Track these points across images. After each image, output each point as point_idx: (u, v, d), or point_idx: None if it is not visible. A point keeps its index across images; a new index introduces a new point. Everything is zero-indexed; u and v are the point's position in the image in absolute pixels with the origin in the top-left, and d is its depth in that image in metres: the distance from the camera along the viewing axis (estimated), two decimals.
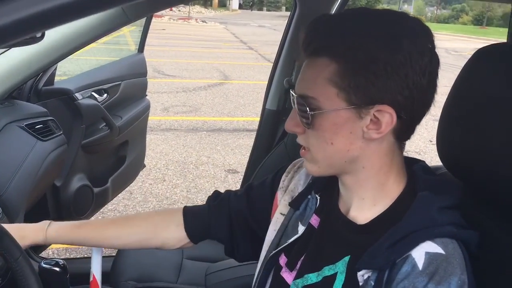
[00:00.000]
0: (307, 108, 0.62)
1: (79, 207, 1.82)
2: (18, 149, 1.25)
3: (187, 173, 3.67)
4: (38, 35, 0.88)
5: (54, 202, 1.66)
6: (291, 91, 0.67)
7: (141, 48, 2.35)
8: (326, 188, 0.75)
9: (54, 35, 1.34)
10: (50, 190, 1.63)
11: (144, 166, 2.54)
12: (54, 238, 0.85)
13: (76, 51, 1.42)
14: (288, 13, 1.85)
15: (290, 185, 0.82)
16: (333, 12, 1.63)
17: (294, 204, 0.77)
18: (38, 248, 1.63)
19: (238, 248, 0.88)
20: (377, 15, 0.63)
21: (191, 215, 0.88)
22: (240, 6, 44.49)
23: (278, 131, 1.75)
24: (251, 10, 45.33)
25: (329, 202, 0.73)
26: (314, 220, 0.73)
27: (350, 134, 0.62)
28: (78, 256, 2.32)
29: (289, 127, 0.67)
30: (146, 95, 2.39)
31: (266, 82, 1.81)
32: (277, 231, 0.78)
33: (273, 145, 1.73)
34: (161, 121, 4.93)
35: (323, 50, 0.60)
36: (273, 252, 0.76)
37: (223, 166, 3.87)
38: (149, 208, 3.03)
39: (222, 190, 0.93)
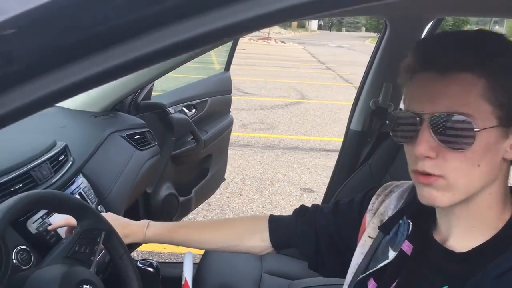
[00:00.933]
0: (466, 126, 0.57)
1: (166, 213, 1.93)
2: (120, 156, 1.37)
3: (263, 189, 3.73)
4: None
5: (145, 207, 1.78)
6: (413, 113, 0.61)
7: (227, 67, 2.46)
8: (419, 214, 0.72)
9: None
10: (142, 196, 1.75)
11: (224, 179, 2.63)
12: (152, 238, 0.92)
13: (174, 69, 1.54)
14: (368, 34, 1.84)
15: (380, 208, 0.80)
16: (423, 35, 1.59)
17: (384, 228, 0.75)
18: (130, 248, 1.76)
19: (323, 263, 0.88)
20: (500, 35, 0.61)
21: (277, 225, 0.91)
22: (319, 27, 44.70)
23: (362, 152, 1.72)
24: (330, 30, 45.32)
25: (422, 228, 0.71)
26: (407, 247, 0.71)
27: (494, 154, 0.59)
28: (163, 260, 2.45)
29: (423, 151, 0.58)
30: (230, 112, 2.49)
31: (344, 103, 1.82)
32: (365, 254, 0.77)
33: (357, 166, 1.71)
34: (239, 137, 5.07)
35: (467, 66, 0.57)
36: (362, 276, 0.75)
37: (299, 185, 3.87)
38: None
39: None
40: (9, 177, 0.87)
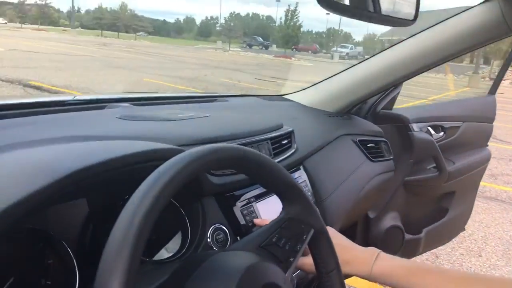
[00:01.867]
0: None
1: (386, 249, 1.61)
2: (347, 161, 1.16)
3: (511, 256, 2.91)
4: (410, 18, 0.74)
5: (363, 234, 1.52)
6: None
7: (493, 90, 1.97)
8: None
9: (397, 55, 1.21)
10: (362, 220, 1.50)
11: (464, 229, 2.11)
12: (380, 276, 0.65)
13: (425, 70, 1.24)
14: None
15: None
16: None
17: None
18: None
19: None
20: None
21: None
22: None
23: None
24: None
25: None
26: None
27: None
28: None
29: None
30: (487, 145, 1.98)
31: None
32: None
33: None
34: (487, 188, 4.21)
35: None
36: None
37: None
38: None
39: None
40: None
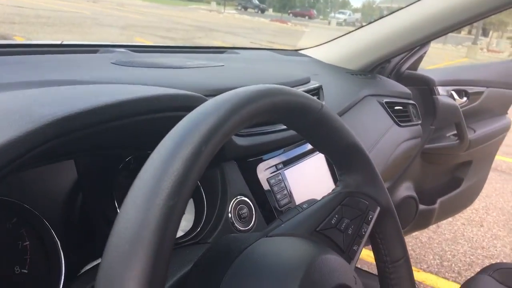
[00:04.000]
0: None
1: (399, 220, 1.52)
2: (375, 125, 1.04)
3: None
4: None
5: None
6: None
7: None
8: None
9: (424, 12, 1.06)
10: None
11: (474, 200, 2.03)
12: None
13: (452, 30, 1.10)
14: None
15: None
16: None
17: None
18: None
19: None
20: None
21: None
22: None
23: None
24: None
25: None
26: None
27: None
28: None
29: None
30: (507, 113, 1.86)
31: None
32: None
33: None
34: (498, 161, 4.14)
35: None
36: None
37: None
38: (459, 252, 2.47)
39: None
40: None
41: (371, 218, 0.44)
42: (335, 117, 0.40)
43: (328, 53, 1.30)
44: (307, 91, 0.77)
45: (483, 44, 22.30)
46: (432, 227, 2.69)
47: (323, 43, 1.36)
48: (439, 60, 14.93)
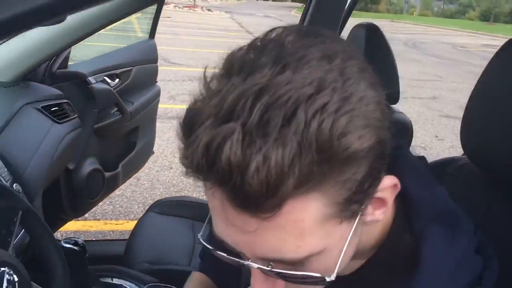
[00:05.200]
0: None
1: (91, 190, 1.83)
2: (35, 131, 1.26)
3: None
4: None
5: (67, 184, 1.67)
6: None
7: (152, 34, 2.34)
8: None
9: (70, 18, 1.34)
10: (63, 173, 1.64)
11: (153, 152, 2.55)
12: None
13: (92, 34, 1.42)
14: (294, 4, 1.82)
15: None
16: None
17: None
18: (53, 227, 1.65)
19: None
20: None
21: None
22: None
23: None
24: (257, 0, 44.98)
25: None
26: None
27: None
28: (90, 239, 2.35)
29: None
30: (157, 82, 2.39)
31: None
32: None
33: None
34: (168, 109, 4.92)
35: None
36: None
37: None
38: (156, 195, 3.05)
39: None
40: None
41: (16, 220, 0.71)
42: None
43: None
44: None
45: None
46: (133, 181, 3.14)
47: None
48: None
